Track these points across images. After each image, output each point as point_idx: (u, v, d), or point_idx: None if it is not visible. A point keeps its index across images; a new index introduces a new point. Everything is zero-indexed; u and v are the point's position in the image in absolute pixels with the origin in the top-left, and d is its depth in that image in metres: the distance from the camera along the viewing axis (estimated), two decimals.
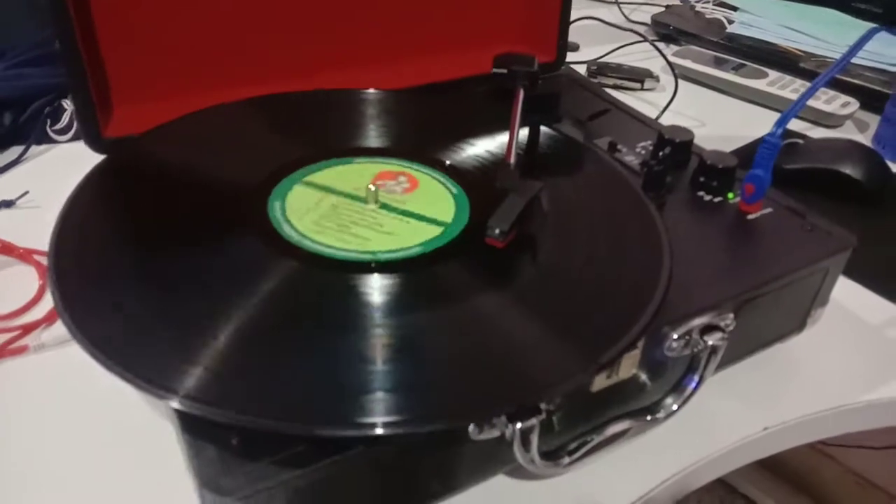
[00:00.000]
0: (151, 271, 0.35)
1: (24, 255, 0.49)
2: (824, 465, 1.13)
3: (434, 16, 0.59)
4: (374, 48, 0.57)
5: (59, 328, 0.44)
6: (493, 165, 0.44)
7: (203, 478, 0.27)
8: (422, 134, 0.48)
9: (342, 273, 0.35)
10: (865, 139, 0.71)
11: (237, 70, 0.52)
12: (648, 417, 0.37)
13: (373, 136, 0.47)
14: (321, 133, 0.46)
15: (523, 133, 0.47)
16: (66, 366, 0.42)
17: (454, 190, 0.42)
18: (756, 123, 0.71)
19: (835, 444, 1.10)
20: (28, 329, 0.43)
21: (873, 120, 0.73)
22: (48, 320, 0.44)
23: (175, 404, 0.28)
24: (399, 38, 0.58)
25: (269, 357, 0.30)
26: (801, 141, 0.65)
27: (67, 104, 0.64)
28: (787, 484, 1.19)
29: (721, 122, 0.72)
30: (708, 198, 0.45)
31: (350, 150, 0.45)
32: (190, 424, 0.29)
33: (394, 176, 0.42)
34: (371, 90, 0.51)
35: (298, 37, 0.53)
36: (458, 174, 0.43)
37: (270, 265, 0.35)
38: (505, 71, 0.52)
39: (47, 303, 0.46)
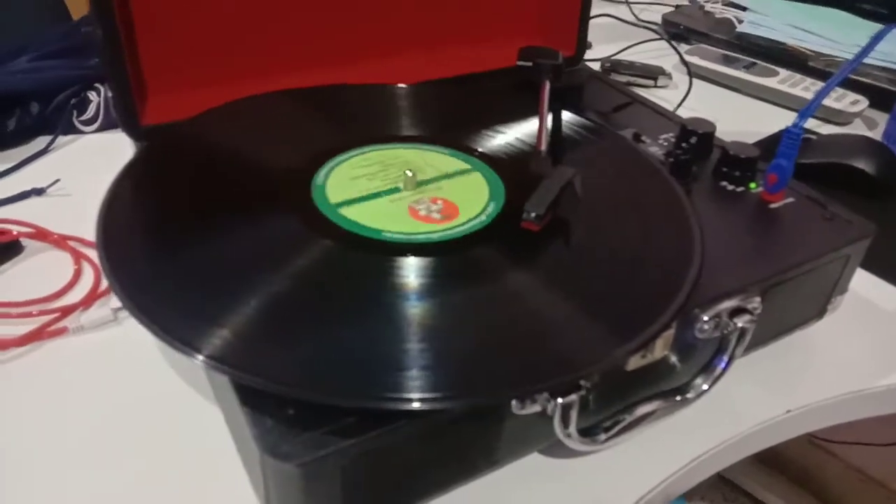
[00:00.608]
0: (198, 247, 0.36)
1: (59, 241, 0.50)
2: (827, 461, 1.15)
3: (457, 10, 0.60)
4: (399, 41, 0.58)
5: (97, 311, 0.45)
6: (523, 153, 0.45)
7: (265, 445, 0.28)
8: (451, 123, 0.49)
9: (385, 254, 0.36)
10: (874, 136, 0.72)
11: (270, 59, 0.53)
12: (678, 397, 0.38)
13: (411, 125, 0.48)
14: (360, 122, 0.48)
15: (550, 124, 0.48)
16: (104, 346, 0.43)
17: (488, 176, 0.43)
18: (768, 120, 0.72)
19: (837, 441, 1.11)
20: (66, 312, 0.44)
21: (881, 117, 0.75)
22: (85, 303, 0.45)
23: (230, 374, 0.29)
24: (421, 33, 0.59)
25: (324, 334, 0.31)
26: (813, 137, 0.66)
27: (93, 95, 0.65)
28: (790, 480, 1.20)
29: (734, 118, 0.73)
30: (731, 187, 0.46)
31: (389, 137, 0.46)
32: (247, 397, 0.29)
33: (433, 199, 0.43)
34: (405, 85, 0.52)
35: (330, 27, 0.54)
36: (490, 161, 0.44)
37: (316, 245, 0.36)
38: (530, 63, 0.53)
39: (83, 287, 0.46)
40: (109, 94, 0.64)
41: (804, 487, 1.19)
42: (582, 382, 0.32)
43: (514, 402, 0.31)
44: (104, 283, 0.46)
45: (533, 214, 0.37)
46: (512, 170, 0.44)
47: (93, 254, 0.49)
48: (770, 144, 0.66)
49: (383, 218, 0.38)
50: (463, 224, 0.38)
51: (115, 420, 0.38)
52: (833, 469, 1.15)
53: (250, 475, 0.34)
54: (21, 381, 0.40)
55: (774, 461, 1.21)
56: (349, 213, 0.38)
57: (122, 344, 0.43)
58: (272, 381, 0.29)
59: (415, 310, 0.33)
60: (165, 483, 0.35)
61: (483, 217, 0.39)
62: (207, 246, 0.36)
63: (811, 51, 0.84)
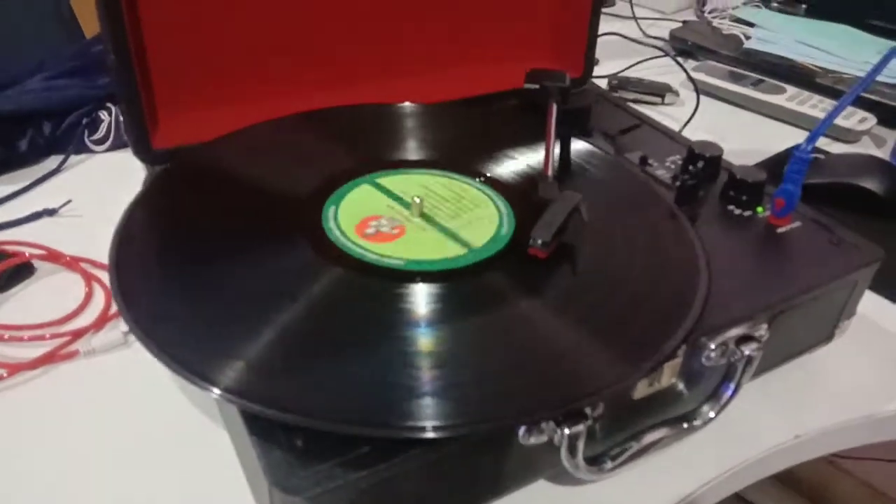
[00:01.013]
0: (209, 274, 0.36)
1: (71, 263, 0.50)
2: (839, 477, 1.14)
3: (465, 32, 0.60)
4: (409, 63, 0.58)
5: (108, 334, 0.45)
6: (530, 177, 0.46)
7: (273, 478, 0.28)
8: (458, 146, 0.49)
9: (396, 281, 0.36)
10: (883, 154, 0.72)
11: (279, 82, 0.53)
12: (685, 425, 0.38)
13: (416, 149, 0.48)
14: (374, 144, 0.48)
15: (556, 147, 0.48)
16: (115, 370, 0.43)
17: (502, 208, 0.43)
18: (776, 138, 0.72)
19: (849, 457, 1.10)
20: (77, 335, 0.45)
21: (890, 135, 0.75)
22: (96, 326, 0.45)
23: (239, 405, 0.29)
24: (431, 54, 0.60)
25: (333, 363, 0.31)
26: (821, 156, 0.66)
27: (104, 115, 0.66)
28: (802, 496, 1.19)
29: (741, 136, 0.73)
30: (738, 212, 0.46)
31: (403, 161, 0.47)
32: (256, 427, 0.30)
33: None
34: (415, 104, 0.53)
35: (341, 49, 0.55)
36: (499, 186, 0.44)
37: (324, 273, 0.36)
38: (537, 86, 0.53)
39: (94, 309, 0.47)
40: (120, 115, 0.65)
41: (815, 503, 1.19)
42: (588, 412, 0.32)
43: (520, 433, 0.32)
44: (115, 306, 0.47)
45: (540, 241, 0.37)
46: (520, 194, 0.44)
47: (104, 275, 0.49)
48: (778, 163, 0.67)
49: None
50: (472, 251, 0.39)
51: (124, 444, 0.39)
52: (845, 485, 1.15)
53: (258, 503, 0.34)
54: (33, 404, 0.41)
55: (786, 477, 1.20)
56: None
57: (133, 367, 0.43)
58: (280, 410, 0.29)
59: (425, 337, 0.33)
60: None
61: (492, 243, 0.39)
62: (217, 273, 0.37)
63: (819, 67, 0.84)
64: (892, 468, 1.06)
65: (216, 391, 0.29)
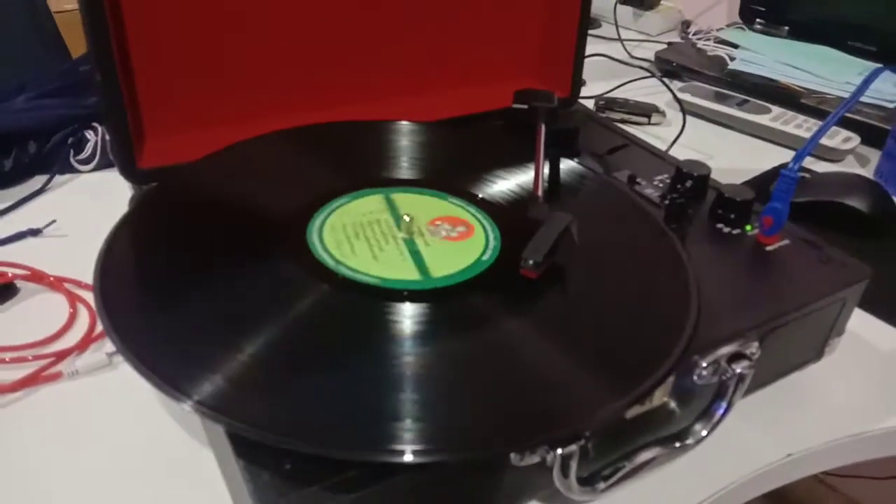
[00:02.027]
0: (195, 295, 0.36)
1: (55, 284, 0.49)
2: (828, 496, 1.14)
3: (452, 52, 0.61)
4: (397, 83, 0.58)
5: (91, 355, 0.44)
6: (519, 198, 0.45)
7: (261, 501, 0.27)
8: (446, 165, 0.49)
9: (385, 301, 0.36)
10: (867, 173, 0.73)
11: (267, 102, 0.53)
12: (677, 444, 0.38)
13: (408, 168, 0.48)
14: (355, 163, 0.48)
15: (545, 167, 0.48)
16: (99, 392, 0.42)
17: (485, 221, 0.43)
18: (761, 157, 0.73)
19: (838, 475, 1.10)
20: (61, 356, 0.44)
21: (873, 154, 0.76)
22: (80, 347, 0.45)
23: (226, 425, 0.28)
24: (419, 74, 0.60)
25: (324, 384, 0.31)
26: (807, 175, 0.66)
27: (90, 135, 0.65)
28: None
29: (727, 155, 0.74)
30: (726, 230, 0.46)
31: (386, 180, 0.46)
32: (244, 449, 0.29)
33: (452, 221, 0.43)
34: (404, 122, 0.53)
35: (326, 71, 0.55)
36: (486, 206, 0.44)
37: (312, 292, 0.36)
38: (525, 107, 0.53)
39: (79, 330, 0.46)
40: (106, 135, 0.65)
41: None
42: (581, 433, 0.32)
43: (513, 455, 0.31)
44: (99, 327, 0.46)
45: (531, 262, 0.37)
46: (508, 215, 0.44)
47: (88, 296, 0.49)
48: (764, 181, 0.67)
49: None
50: (459, 271, 0.38)
51: (108, 467, 0.38)
52: (833, 502, 1.15)
53: None
54: (15, 426, 0.40)
55: (774, 494, 1.20)
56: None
57: (117, 389, 0.43)
58: (268, 432, 0.28)
59: (415, 359, 0.33)
60: None
61: (480, 263, 0.39)
62: (204, 292, 0.36)
63: (803, 88, 0.85)
64: (880, 485, 1.06)
65: (204, 410, 0.29)
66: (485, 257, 0.39)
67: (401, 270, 0.38)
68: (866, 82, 0.46)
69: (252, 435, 0.28)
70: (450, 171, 0.48)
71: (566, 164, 0.49)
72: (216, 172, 0.46)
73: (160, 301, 0.35)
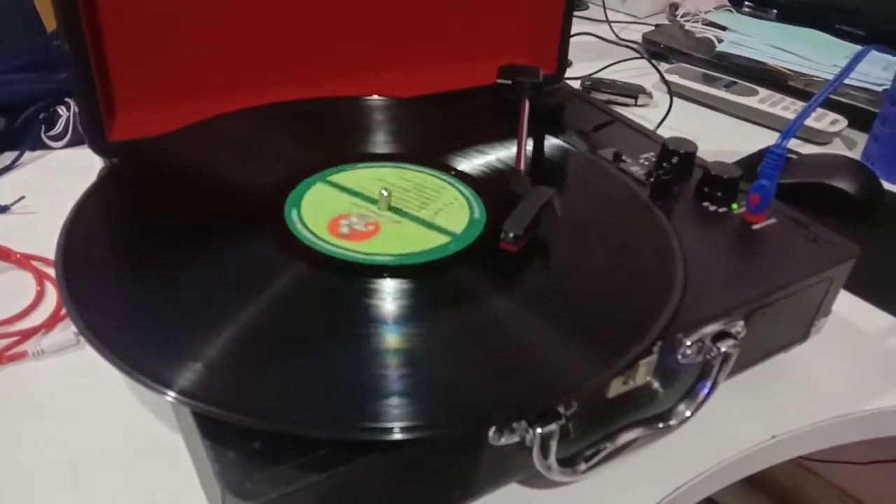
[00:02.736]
0: (164, 272, 0.34)
1: (22, 261, 0.48)
2: (809, 480, 1.14)
3: (439, 28, 0.59)
4: (382, 58, 0.57)
5: (58, 334, 0.43)
6: (499, 172, 0.44)
7: (226, 482, 0.26)
8: (430, 140, 0.48)
9: (360, 277, 0.35)
10: (854, 156, 0.72)
11: (243, 77, 0.51)
12: (661, 424, 0.37)
13: (385, 142, 0.47)
14: (335, 139, 0.46)
15: (530, 144, 0.47)
16: (65, 372, 0.41)
17: (467, 195, 0.42)
18: (748, 139, 0.72)
19: (819, 460, 1.11)
20: (27, 335, 0.42)
21: (860, 137, 0.75)
22: (47, 326, 0.43)
23: (193, 407, 0.27)
24: (405, 50, 0.58)
25: (287, 360, 0.30)
26: (794, 156, 0.66)
27: (62, 110, 0.63)
28: (772, 500, 1.20)
29: (714, 137, 0.73)
30: (713, 208, 0.45)
31: (363, 155, 0.45)
32: (209, 430, 0.28)
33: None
34: (382, 97, 0.51)
35: (306, 46, 0.53)
36: (470, 180, 0.43)
37: (285, 267, 0.35)
38: (509, 82, 0.52)
39: (46, 309, 0.45)
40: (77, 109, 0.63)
41: None
42: (562, 411, 0.31)
43: (491, 433, 0.30)
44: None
45: (511, 235, 0.36)
46: (492, 189, 0.43)
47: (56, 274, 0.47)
48: (751, 163, 0.66)
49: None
50: (441, 245, 0.37)
51: (75, 448, 0.37)
52: (816, 488, 1.15)
53: None
54: None
55: (755, 479, 1.20)
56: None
57: (84, 369, 0.41)
58: (235, 411, 0.27)
59: (390, 335, 0.31)
60: None
61: (463, 237, 0.38)
62: (171, 269, 0.35)
63: (791, 70, 0.85)
64: (863, 471, 1.06)
65: (169, 393, 0.27)
66: (476, 215, 0.38)
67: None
68: (854, 61, 0.45)
69: (216, 415, 0.27)
70: (428, 146, 0.47)
71: (550, 141, 0.48)
72: (185, 146, 0.44)
73: (124, 280, 0.34)
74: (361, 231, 0.38)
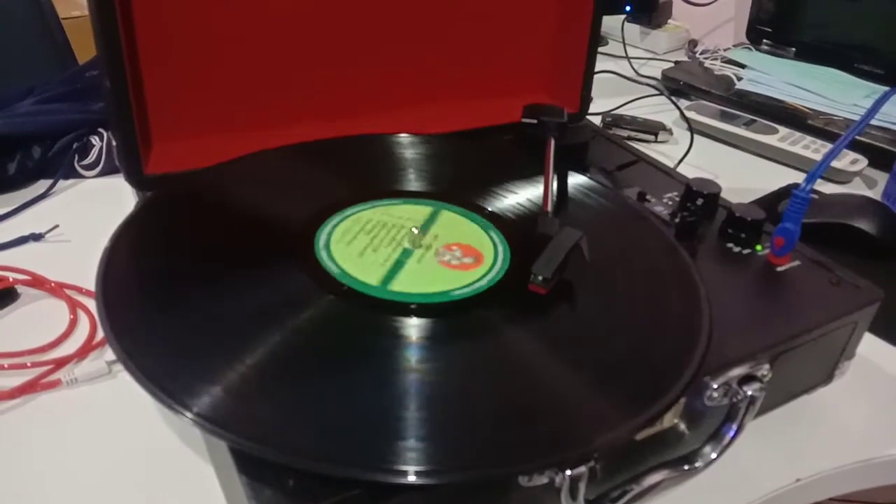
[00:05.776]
0: (203, 302, 0.35)
1: (56, 290, 0.49)
2: None
3: (462, 66, 0.60)
4: (407, 95, 0.58)
5: (91, 363, 0.44)
6: (528, 212, 0.45)
7: None
8: (456, 178, 0.49)
9: (390, 315, 0.35)
10: (874, 195, 0.72)
11: (274, 112, 0.53)
12: (686, 466, 0.37)
13: (415, 180, 0.48)
14: (365, 175, 0.47)
15: (554, 182, 0.48)
16: (98, 401, 0.42)
17: (494, 234, 0.42)
18: (768, 177, 0.72)
19: (847, 500, 1.09)
20: (60, 363, 0.43)
21: (881, 176, 0.75)
22: (80, 355, 0.44)
23: (231, 441, 0.28)
24: (428, 87, 0.60)
25: (327, 401, 0.30)
26: (815, 196, 0.66)
27: (95, 140, 0.65)
28: None
29: (734, 174, 0.73)
30: (737, 249, 0.46)
31: (391, 192, 0.46)
32: (246, 465, 0.29)
33: (467, 250, 0.42)
34: (413, 135, 0.52)
35: (335, 82, 0.54)
36: (496, 219, 0.44)
37: (318, 304, 0.35)
38: (535, 121, 0.53)
39: (79, 337, 0.46)
40: (112, 140, 0.64)
41: None
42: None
43: (520, 476, 0.30)
44: (100, 334, 0.45)
45: (541, 277, 0.36)
46: (517, 229, 0.43)
47: (89, 303, 0.48)
48: (772, 201, 0.67)
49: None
50: (466, 285, 0.38)
51: (105, 478, 0.37)
52: None
53: None
54: (12, 435, 0.39)
55: None
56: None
57: (116, 398, 0.42)
58: (274, 449, 0.28)
59: (422, 376, 0.32)
60: None
61: (488, 278, 0.39)
62: (209, 302, 0.35)
63: (810, 109, 0.85)
64: None
65: (205, 425, 0.28)
66: (456, 293, 0.37)
67: (367, 272, 0.38)
68: (879, 102, 0.46)
69: (255, 451, 0.27)
70: (456, 184, 0.47)
71: (576, 179, 0.49)
72: (222, 180, 0.45)
73: (163, 310, 0.35)
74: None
